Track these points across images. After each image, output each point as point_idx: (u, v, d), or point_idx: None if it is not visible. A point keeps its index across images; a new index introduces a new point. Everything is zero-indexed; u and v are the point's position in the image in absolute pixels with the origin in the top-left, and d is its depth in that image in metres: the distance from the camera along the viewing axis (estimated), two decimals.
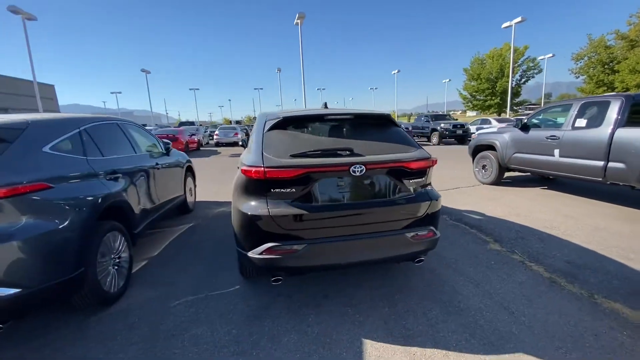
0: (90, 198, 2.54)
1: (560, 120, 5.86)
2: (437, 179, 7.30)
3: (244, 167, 2.35)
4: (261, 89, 64.72)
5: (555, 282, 2.87)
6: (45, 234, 2.08)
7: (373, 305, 2.58)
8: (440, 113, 24.25)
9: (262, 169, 2.24)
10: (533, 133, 6.05)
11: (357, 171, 2.29)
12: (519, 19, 22.26)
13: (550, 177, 6.79)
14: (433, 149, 15.37)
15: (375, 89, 68.27)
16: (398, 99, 46.82)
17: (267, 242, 2.26)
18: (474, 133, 14.23)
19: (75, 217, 2.31)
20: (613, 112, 4.72)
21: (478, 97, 39.74)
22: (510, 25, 22.98)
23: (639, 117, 4.67)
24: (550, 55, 34.59)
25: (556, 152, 5.46)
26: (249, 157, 2.46)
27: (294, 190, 2.28)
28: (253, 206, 2.31)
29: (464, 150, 9.74)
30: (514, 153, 6.37)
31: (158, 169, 4.07)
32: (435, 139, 18.44)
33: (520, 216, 4.73)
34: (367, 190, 2.46)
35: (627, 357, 1.97)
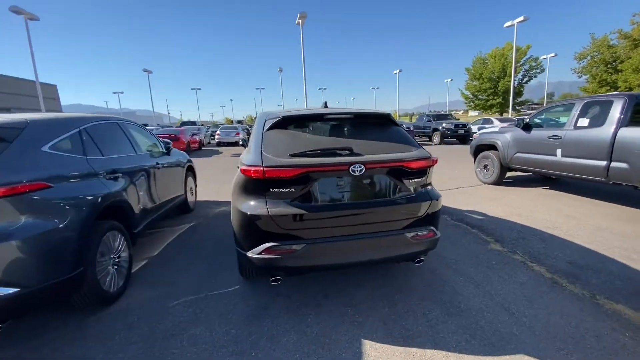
0: (89, 197, 2.53)
1: (562, 119, 5.83)
2: (439, 178, 7.31)
3: (243, 167, 2.35)
4: (263, 88, 64.84)
5: (556, 282, 2.85)
6: (44, 234, 2.08)
7: (373, 305, 2.57)
8: (442, 113, 24.16)
9: (261, 168, 2.23)
10: (535, 133, 6.02)
11: (357, 171, 2.28)
12: (521, 18, 22.17)
13: (553, 177, 6.75)
14: (435, 149, 15.33)
15: (377, 88, 68.22)
16: (400, 98, 46.82)
17: (266, 242, 2.25)
18: (475, 133, 14.18)
19: (75, 217, 2.31)
20: (616, 112, 4.69)
21: (480, 96, 39.61)
22: (513, 25, 22.89)
23: None
24: (553, 54, 34.46)
25: (558, 151, 5.43)
26: (248, 156, 2.45)
27: (293, 189, 2.27)
28: (252, 206, 2.30)
29: (465, 150, 9.72)
30: (515, 153, 6.34)
31: (158, 168, 4.07)
32: (436, 138, 18.39)
33: (522, 216, 4.71)
34: (367, 190, 2.45)
35: (629, 359, 1.95)
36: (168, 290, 2.88)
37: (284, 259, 2.26)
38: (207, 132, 25.78)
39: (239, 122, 48.23)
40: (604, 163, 4.70)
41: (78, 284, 2.31)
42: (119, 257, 2.84)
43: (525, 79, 37.59)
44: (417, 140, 2.77)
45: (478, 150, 7.35)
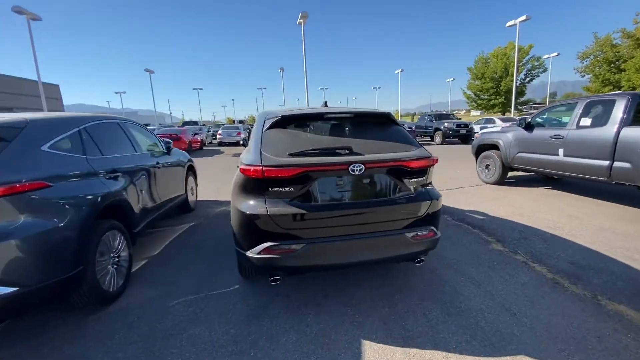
0: (89, 197, 2.53)
1: (564, 119, 5.79)
2: (440, 178, 7.29)
3: (243, 166, 2.34)
4: (264, 88, 64.73)
5: (558, 283, 2.83)
6: (43, 233, 2.08)
7: (373, 305, 2.56)
8: (444, 112, 24.08)
9: (261, 167, 2.22)
10: (537, 132, 5.98)
11: (356, 170, 2.26)
12: (523, 17, 22.05)
13: (555, 176, 6.72)
14: (436, 149, 15.30)
15: (379, 88, 68.13)
16: (402, 98, 46.73)
17: (265, 242, 2.25)
18: (477, 132, 14.14)
19: (74, 216, 2.31)
20: (619, 111, 4.66)
21: (482, 96, 39.43)
22: (515, 24, 22.78)
23: None
24: (555, 54, 34.27)
25: (560, 151, 5.40)
26: (247, 156, 2.44)
27: (292, 189, 2.26)
28: (251, 205, 2.29)
29: (467, 149, 9.68)
30: (517, 152, 6.31)
31: (159, 168, 4.07)
32: (438, 138, 18.34)
33: (524, 216, 4.68)
34: (367, 190, 2.44)
35: None
36: (168, 289, 2.88)
37: (284, 259, 2.25)
38: (208, 131, 25.83)
39: (241, 121, 48.23)
40: (606, 163, 4.67)
41: (77, 283, 2.31)
42: (118, 257, 2.84)
43: (527, 79, 37.39)
44: (418, 140, 2.74)
45: (480, 149, 7.32)
